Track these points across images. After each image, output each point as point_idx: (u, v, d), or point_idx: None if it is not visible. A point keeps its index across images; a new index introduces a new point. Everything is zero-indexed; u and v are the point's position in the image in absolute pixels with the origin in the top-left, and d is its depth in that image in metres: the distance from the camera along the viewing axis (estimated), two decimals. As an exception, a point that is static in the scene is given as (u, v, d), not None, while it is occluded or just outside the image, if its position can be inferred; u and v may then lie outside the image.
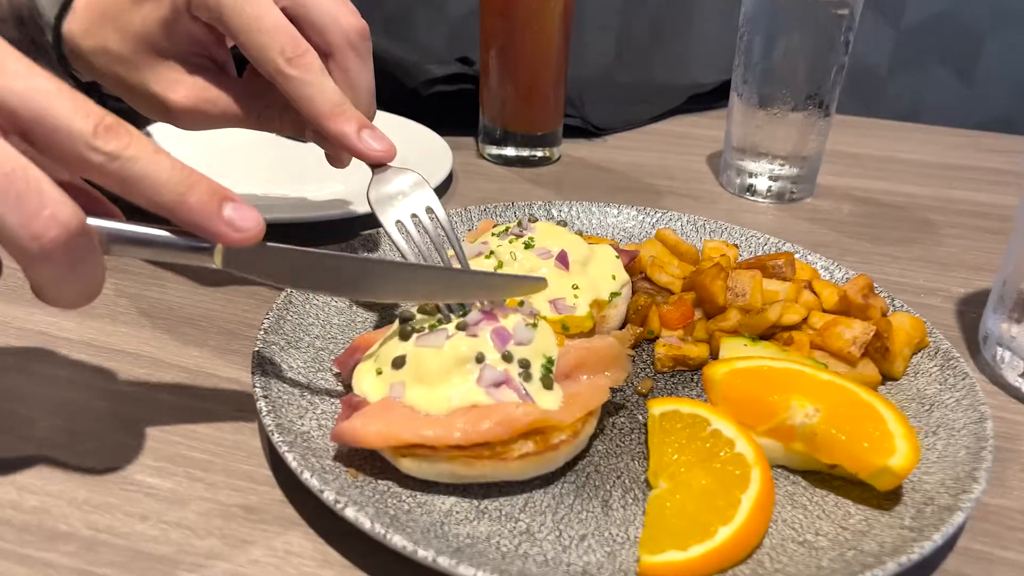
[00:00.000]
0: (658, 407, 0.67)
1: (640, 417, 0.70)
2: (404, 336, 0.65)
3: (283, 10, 0.68)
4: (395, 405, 0.61)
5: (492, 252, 0.80)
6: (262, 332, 0.71)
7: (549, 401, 0.63)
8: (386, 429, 0.59)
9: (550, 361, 0.66)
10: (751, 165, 1.17)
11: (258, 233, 0.54)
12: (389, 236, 0.71)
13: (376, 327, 0.79)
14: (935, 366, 0.75)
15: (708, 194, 1.21)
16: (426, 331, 0.64)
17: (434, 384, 0.62)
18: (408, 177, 0.74)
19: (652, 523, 0.58)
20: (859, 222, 1.14)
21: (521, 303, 0.71)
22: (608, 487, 0.63)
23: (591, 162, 1.30)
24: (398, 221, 0.72)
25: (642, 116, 1.48)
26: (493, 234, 0.84)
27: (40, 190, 0.45)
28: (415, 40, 2.27)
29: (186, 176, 0.51)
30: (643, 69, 2.11)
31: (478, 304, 0.67)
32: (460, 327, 0.64)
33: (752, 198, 1.19)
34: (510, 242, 0.82)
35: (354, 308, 0.81)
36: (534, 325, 0.67)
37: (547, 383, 0.64)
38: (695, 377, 0.76)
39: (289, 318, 0.75)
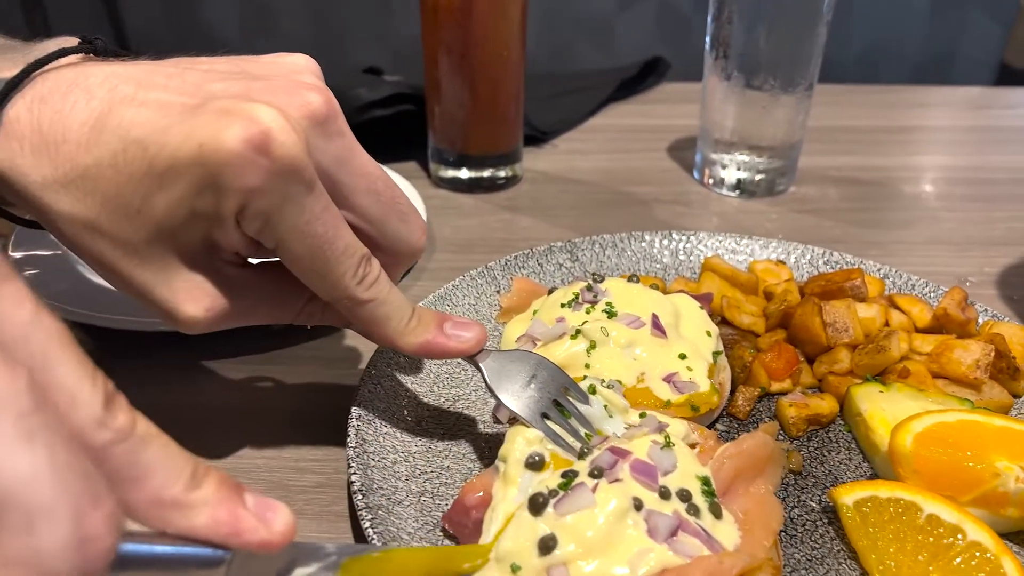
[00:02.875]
0: (847, 496, 0.58)
1: (813, 503, 0.62)
2: (536, 509, 0.52)
3: (350, 224, 0.53)
4: None
5: (579, 332, 0.68)
6: (359, 496, 0.56)
7: (728, 534, 0.54)
8: None
9: (707, 482, 0.56)
10: (738, 160, 1.11)
11: (290, 528, 0.39)
12: (551, 441, 0.57)
13: (472, 464, 0.66)
14: (1057, 376, 0.71)
15: (693, 196, 1.13)
16: (560, 493, 0.52)
17: (605, 555, 0.50)
18: (518, 356, 0.62)
19: (923, 652, 0.50)
20: (852, 207, 1.10)
21: (643, 415, 0.60)
22: (837, 608, 0.54)
23: (556, 175, 1.19)
24: (544, 414, 0.59)
25: (579, 111, 1.39)
26: (563, 304, 0.72)
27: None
28: (353, 64, 2.05)
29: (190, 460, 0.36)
30: (558, 58, 2.02)
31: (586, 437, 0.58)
32: (595, 474, 0.53)
33: (739, 196, 1.12)
34: (587, 312, 0.71)
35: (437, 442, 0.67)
36: (668, 444, 0.56)
37: (716, 511, 0.54)
38: (829, 432, 0.68)
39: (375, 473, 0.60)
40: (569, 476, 0.53)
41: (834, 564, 0.57)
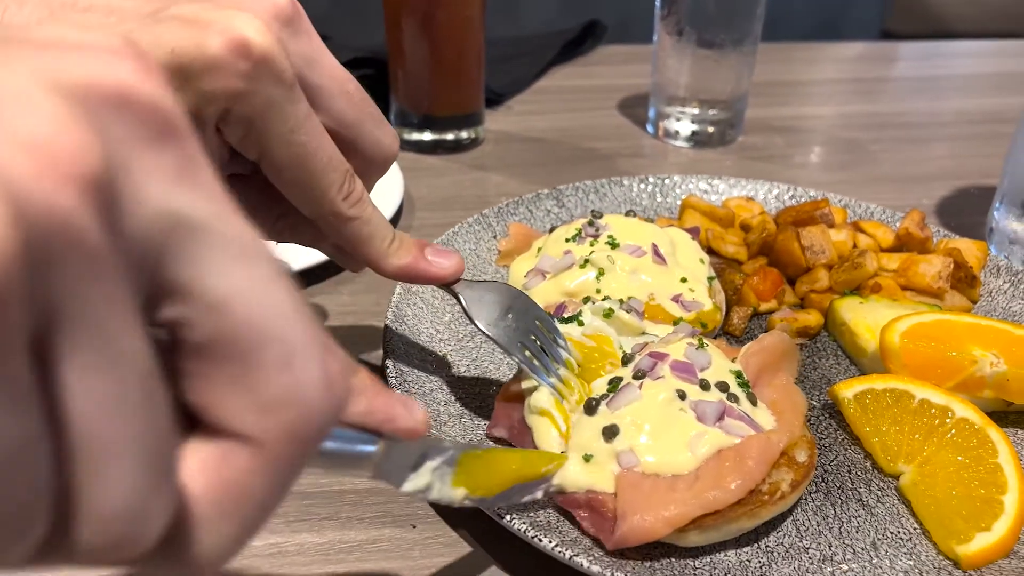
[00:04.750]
0: (847, 390, 0.65)
1: (813, 403, 0.68)
2: (591, 411, 0.57)
3: (328, 131, 0.53)
4: (643, 480, 0.54)
5: (587, 261, 0.73)
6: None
7: (765, 418, 0.59)
8: (672, 513, 0.51)
9: (739, 375, 0.61)
10: (690, 113, 1.17)
11: (425, 418, 0.41)
12: (528, 371, 0.60)
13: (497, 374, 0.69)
14: (1004, 283, 0.80)
15: (650, 149, 1.19)
16: (610, 395, 0.57)
17: (663, 439, 0.55)
18: (494, 287, 0.62)
19: (932, 514, 0.57)
20: (797, 153, 1.18)
21: (677, 321, 0.66)
22: (850, 486, 0.60)
23: (517, 135, 1.22)
24: (521, 343, 0.61)
25: (528, 74, 1.42)
26: (567, 239, 0.76)
27: None
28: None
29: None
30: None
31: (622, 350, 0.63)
32: (638, 376, 0.58)
33: (693, 147, 1.19)
34: (591, 244, 0.75)
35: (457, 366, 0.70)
36: (702, 344, 0.62)
37: (752, 399, 0.60)
38: (816, 343, 0.75)
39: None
40: (615, 381, 0.58)
41: (841, 451, 0.63)
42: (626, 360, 0.61)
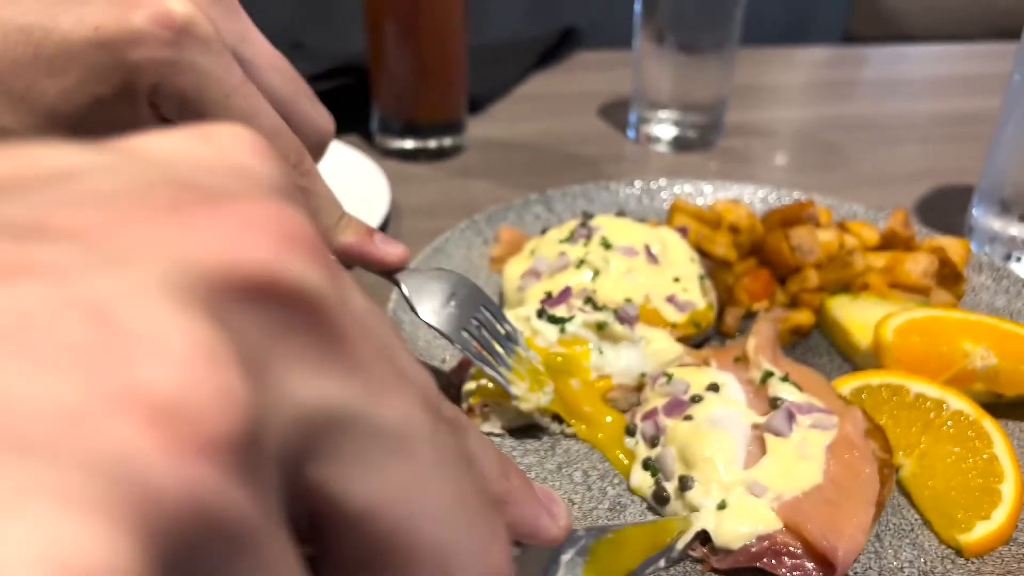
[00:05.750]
0: (844, 386, 0.66)
1: (810, 398, 0.69)
2: (661, 501, 0.58)
3: None
4: (804, 501, 0.53)
5: (583, 261, 0.73)
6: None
7: (813, 398, 0.62)
8: (860, 519, 0.52)
9: (769, 372, 0.63)
10: (672, 117, 1.18)
11: (568, 520, 0.37)
12: (472, 358, 0.59)
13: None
14: (987, 279, 0.82)
15: (633, 153, 1.20)
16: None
17: (774, 464, 0.55)
18: (437, 274, 0.60)
19: (932, 505, 0.58)
20: (777, 155, 1.20)
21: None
22: (851, 479, 0.61)
23: (500, 141, 1.23)
24: (464, 329, 0.59)
25: (508, 80, 1.43)
26: (561, 240, 0.77)
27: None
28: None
29: (498, 451, 0.31)
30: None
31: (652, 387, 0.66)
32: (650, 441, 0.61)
33: (675, 151, 1.20)
34: (584, 245, 0.76)
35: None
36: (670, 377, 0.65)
37: (797, 386, 0.63)
38: (808, 341, 0.76)
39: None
40: (651, 464, 0.59)
41: (840, 445, 0.64)
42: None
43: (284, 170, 0.21)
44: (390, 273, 0.59)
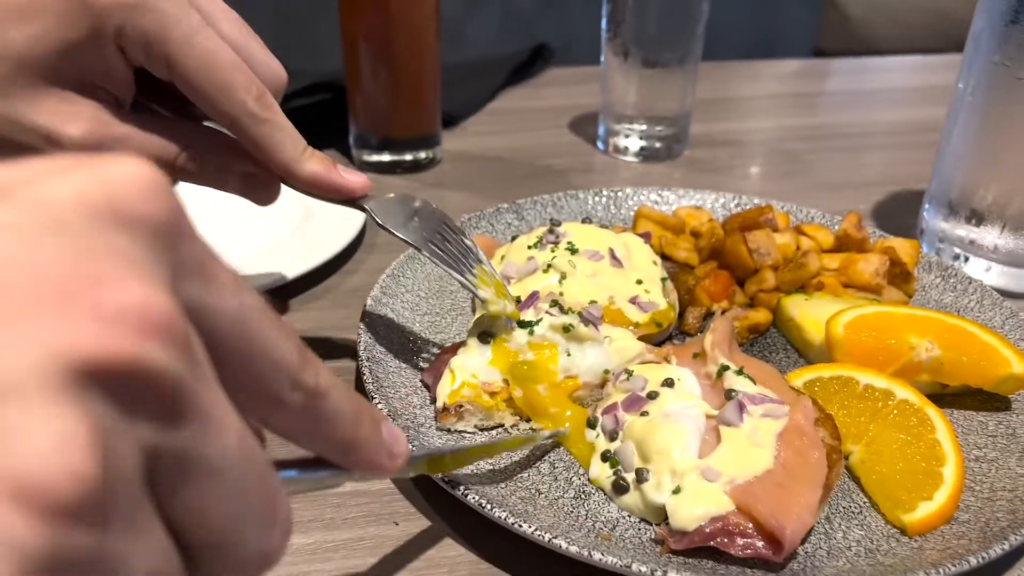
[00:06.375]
0: (797, 379, 0.70)
1: (767, 392, 0.72)
2: (620, 490, 0.60)
3: None
4: (755, 485, 0.56)
5: (550, 266, 0.76)
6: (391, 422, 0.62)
7: (766, 390, 0.66)
8: (807, 499, 0.55)
9: (725, 366, 0.67)
10: (638, 129, 1.22)
11: (407, 455, 0.42)
12: (439, 264, 0.65)
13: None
14: (936, 277, 0.86)
15: (602, 164, 1.24)
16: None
17: (722, 454, 0.59)
18: (399, 197, 0.67)
19: (879, 488, 0.61)
20: (740, 165, 1.24)
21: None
22: (804, 466, 0.65)
23: (473, 155, 1.26)
24: (430, 242, 0.66)
25: (481, 96, 1.47)
26: (529, 246, 0.80)
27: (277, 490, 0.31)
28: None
29: (356, 403, 0.36)
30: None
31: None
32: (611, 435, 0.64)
33: (642, 162, 1.24)
34: (552, 250, 0.79)
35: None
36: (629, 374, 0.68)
37: (750, 379, 0.66)
38: (766, 339, 0.80)
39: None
40: (610, 457, 0.62)
41: (794, 435, 0.68)
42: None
43: (171, 207, 0.26)
44: (355, 200, 0.64)
